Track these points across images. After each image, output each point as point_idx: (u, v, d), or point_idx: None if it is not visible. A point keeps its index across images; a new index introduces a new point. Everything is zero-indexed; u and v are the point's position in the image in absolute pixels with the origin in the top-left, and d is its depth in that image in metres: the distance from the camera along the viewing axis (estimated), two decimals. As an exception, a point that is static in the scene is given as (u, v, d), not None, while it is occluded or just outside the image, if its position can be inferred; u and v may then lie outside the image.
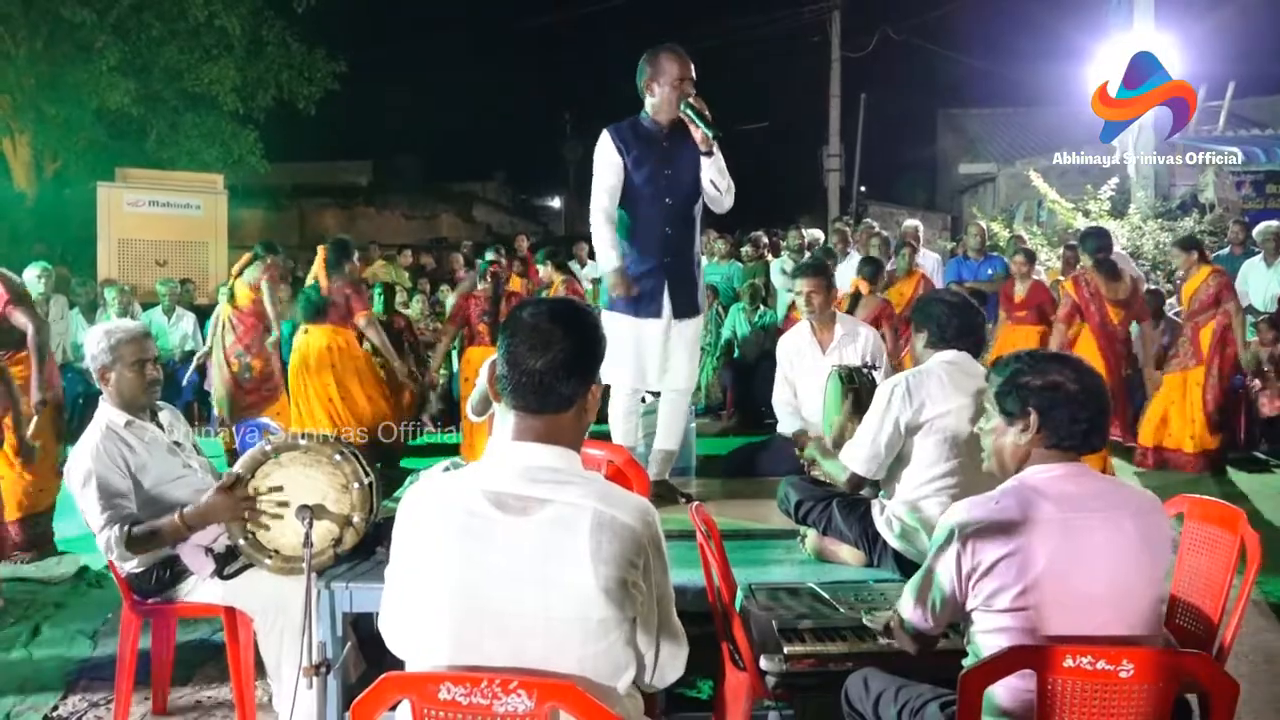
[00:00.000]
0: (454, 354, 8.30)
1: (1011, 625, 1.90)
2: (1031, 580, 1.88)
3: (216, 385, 6.70)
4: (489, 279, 6.95)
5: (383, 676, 1.56)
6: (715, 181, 3.84)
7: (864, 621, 2.41)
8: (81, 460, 2.87)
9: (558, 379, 1.69)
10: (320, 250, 6.54)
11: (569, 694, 1.49)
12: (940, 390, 2.89)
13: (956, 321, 3.05)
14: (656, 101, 3.76)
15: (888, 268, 8.31)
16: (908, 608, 2.08)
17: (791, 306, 7.49)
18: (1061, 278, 8.04)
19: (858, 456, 3.00)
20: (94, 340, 3.01)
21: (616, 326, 3.76)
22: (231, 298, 6.72)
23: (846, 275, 8.54)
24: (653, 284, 3.86)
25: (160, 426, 3.11)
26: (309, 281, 6.52)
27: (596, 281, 7.77)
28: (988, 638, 1.94)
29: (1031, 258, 8.19)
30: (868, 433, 2.97)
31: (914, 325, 3.19)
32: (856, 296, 7.06)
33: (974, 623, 1.98)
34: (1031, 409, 2.01)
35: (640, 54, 3.84)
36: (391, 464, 6.11)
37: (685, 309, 3.94)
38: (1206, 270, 6.99)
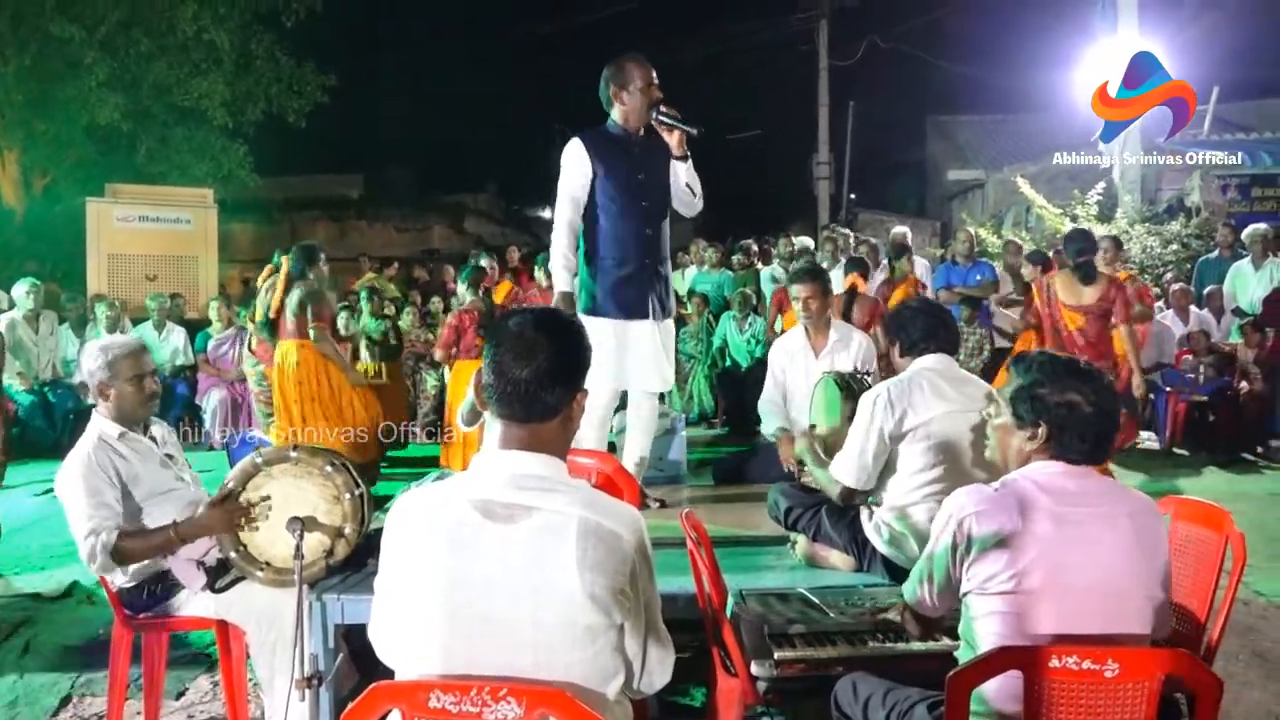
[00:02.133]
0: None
1: (1004, 609, 1.93)
2: (1023, 567, 1.92)
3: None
4: (481, 291, 6.98)
5: (372, 686, 1.57)
6: (690, 185, 3.97)
7: (888, 617, 2.46)
8: (72, 469, 2.86)
9: (543, 388, 1.70)
10: (283, 262, 6.07)
11: (559, 701, 1.50)
12: (922, 398, 2.90)
13: (920, 322, 3.08)
14: (626, 109, 3.88)
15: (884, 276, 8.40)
16: (911, 590, 2.17)
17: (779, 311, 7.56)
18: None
19: (847, 470, 3.01)
20: (90, 357, 2.99)
21: (599, 330, 3.79)
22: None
23: (838, 282, 8.59)
24: (639, 286, 3.95)
25: (153, 440, 3.11)
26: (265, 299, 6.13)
27: None
28: (981, 623, 1.98)
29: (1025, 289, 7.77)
30: (855, 446, 2.98)
31: (886, 340, 3.22)
32: (851, 294, 7.09)
33: (970, 607, 2.01)
34: (1044, 423, 2.05)
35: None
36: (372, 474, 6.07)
37: (666, 309, 4.07)
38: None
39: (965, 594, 2.01)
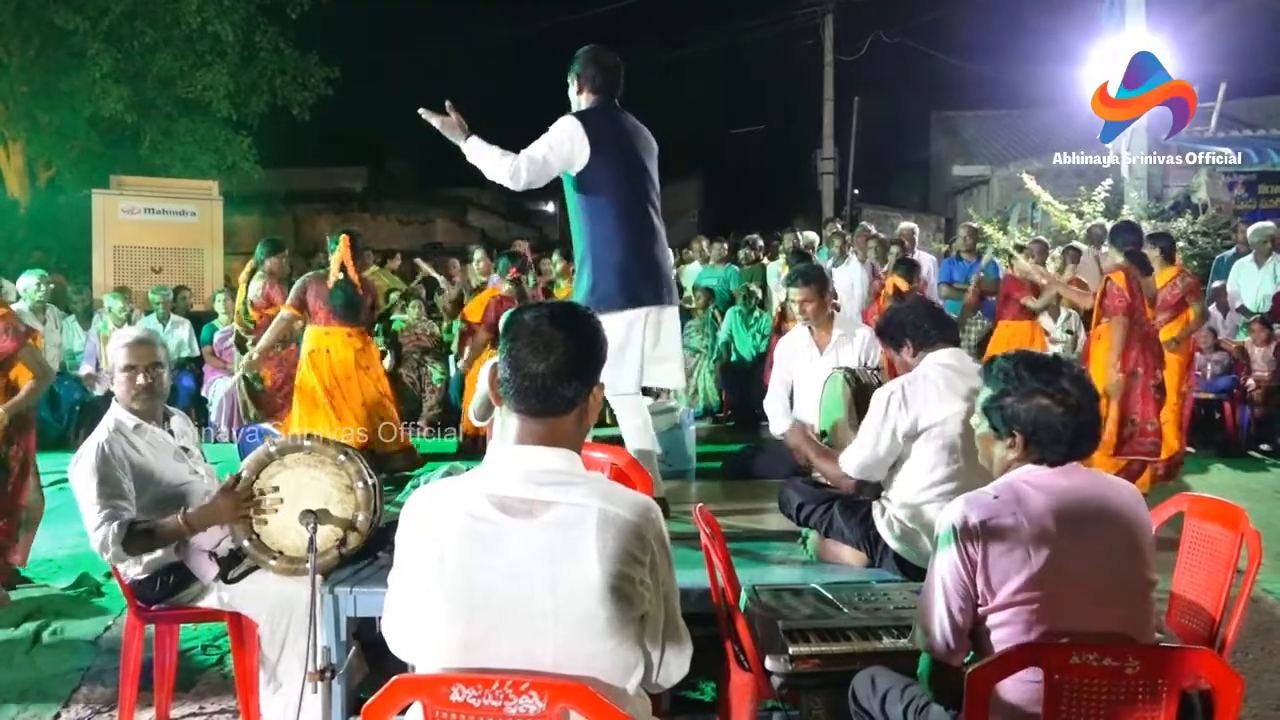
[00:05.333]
0: (450, 358, 8.32)
1: (1013, 618, 1.92)
2: (1032, 572, 1.90)
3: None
4: (511, 283, 6.87)
5: (394, 679, 1.56)
6: None
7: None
8: (85, 458, 2.87)
9: (559, 382, 1.69)
10: (344, 239, 5.77)
11: (580, 695, 1.50)
12: (936, 397, 2.88)
13: (929, 317, 3.07)
14: None
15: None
16: (930, 636, 1.99)
17: (780, 314, 7.55)
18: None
19: (854, 461, 3.01)
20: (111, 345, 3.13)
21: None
22: (247, 314, 6.66)
23: (845, 278, 8.58)
24: None
25: (171, 432, 3.12)
26: (336, 274, 5.72)
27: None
28: (993, 631, 1.95)
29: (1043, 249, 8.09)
30: (867, 439, 2.97)
31: (891, 345, 3.15)
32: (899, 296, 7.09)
33: (978, 619, 1.99)
34: (1017, 432, 2.03)
35: (633, 60, 3.97)
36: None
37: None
38: (1172, 271, 6.76)
39: (981, 607, 1.94)
